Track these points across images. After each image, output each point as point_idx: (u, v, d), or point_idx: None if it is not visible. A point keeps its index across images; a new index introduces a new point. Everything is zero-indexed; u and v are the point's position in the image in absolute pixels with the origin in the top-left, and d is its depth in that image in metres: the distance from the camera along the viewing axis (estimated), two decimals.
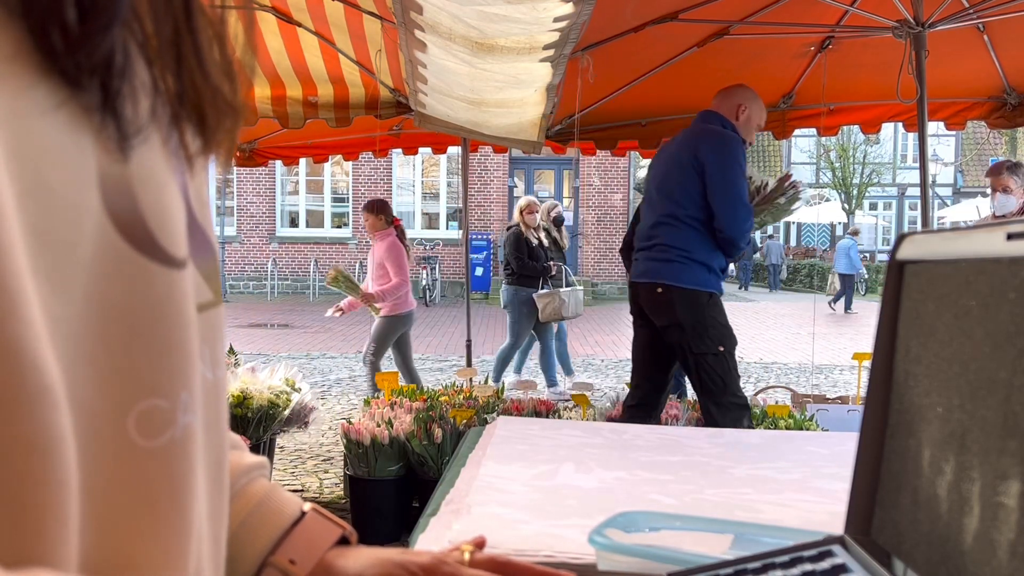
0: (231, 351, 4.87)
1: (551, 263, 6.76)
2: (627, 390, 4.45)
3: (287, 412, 4.23)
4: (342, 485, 4.41)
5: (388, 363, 5.60)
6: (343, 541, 0.62)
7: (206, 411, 0.40)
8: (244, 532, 0.59)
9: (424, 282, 16.11)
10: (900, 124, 4.99)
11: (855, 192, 26.90)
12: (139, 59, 0.34)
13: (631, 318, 3.56)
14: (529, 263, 6.64)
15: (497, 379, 6.76)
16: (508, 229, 7.08)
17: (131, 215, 0.34)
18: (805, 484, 1.46)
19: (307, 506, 0.63)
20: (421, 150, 6.18)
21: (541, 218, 6.92)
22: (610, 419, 3.76)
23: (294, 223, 18.47)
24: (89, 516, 0.32)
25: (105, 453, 0.33)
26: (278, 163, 7.86)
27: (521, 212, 6.80)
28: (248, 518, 0.59)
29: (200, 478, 0.38)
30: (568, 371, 7.51)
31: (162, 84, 0.35)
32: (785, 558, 0.75)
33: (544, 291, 6.64)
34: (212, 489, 0.41)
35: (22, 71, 0.29)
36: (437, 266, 16.80)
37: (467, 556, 0.60)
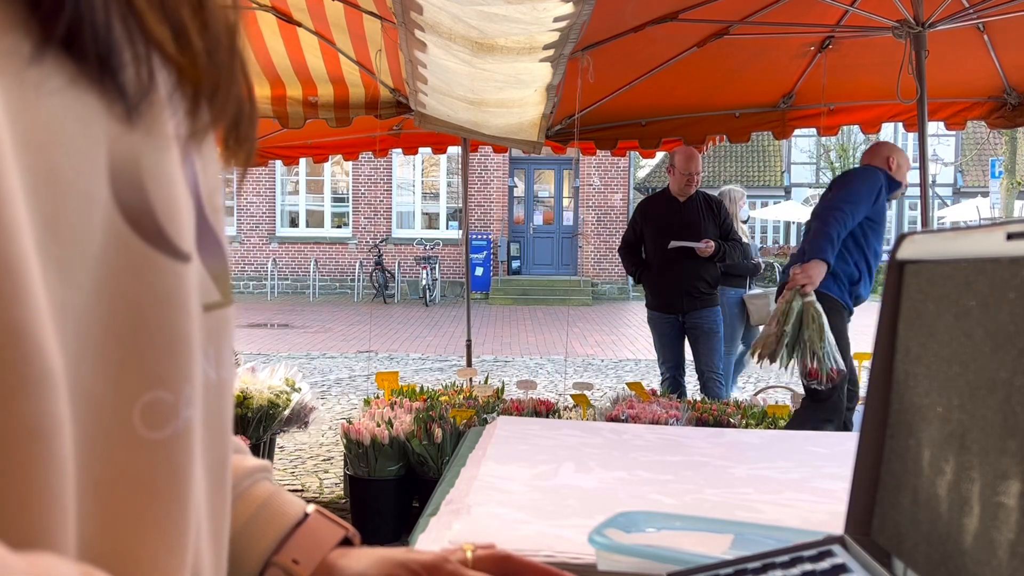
0: None
1: (759, 260, 5.81)
2: (627, 390, 4.46)
3: (287, 412, 4.22)
4: (342, 485, 4.41)
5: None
6: (346, 542, 0.62)
7: (207, 409, 0.40)
8: (248, 532, 0.59)
9: (424, 282, 16.12)
10: (900, 124, 4.99)
11: None
12: (137, 34, 0.33)
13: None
14: (742, 262, 5.52)
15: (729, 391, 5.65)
16: None
17: (140, 206, 0.34)
18: (805, 484, 1.46)
19: (311, 508, 0.63)
20: (421, 150, 6.17)
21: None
22: (610, 419, 3.75)
23: (294, 223, 18.47)
24: (92, 505, 0.32)
25: (110, 443, 0.33)
26: (278, 163, 7.85)
27: None
28: (252, 519, 0.60)
29: (199, 472, 0.38)
30: (734, 380, 6.12)
31: (167, 56, 0.34)
32: (785, 558, 0.75)
33: (755, 291, 5.65)
34: (213, 487, 0.41)
35: (26, 52, 0.29)
36: (437, 266, 16.80)
37: (470, 555, 0.60)
